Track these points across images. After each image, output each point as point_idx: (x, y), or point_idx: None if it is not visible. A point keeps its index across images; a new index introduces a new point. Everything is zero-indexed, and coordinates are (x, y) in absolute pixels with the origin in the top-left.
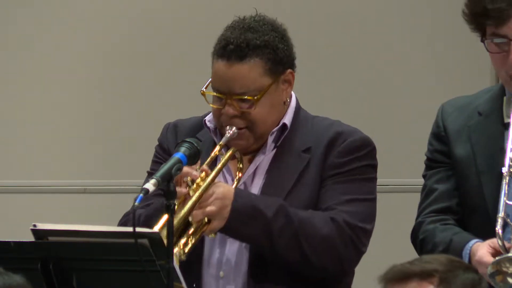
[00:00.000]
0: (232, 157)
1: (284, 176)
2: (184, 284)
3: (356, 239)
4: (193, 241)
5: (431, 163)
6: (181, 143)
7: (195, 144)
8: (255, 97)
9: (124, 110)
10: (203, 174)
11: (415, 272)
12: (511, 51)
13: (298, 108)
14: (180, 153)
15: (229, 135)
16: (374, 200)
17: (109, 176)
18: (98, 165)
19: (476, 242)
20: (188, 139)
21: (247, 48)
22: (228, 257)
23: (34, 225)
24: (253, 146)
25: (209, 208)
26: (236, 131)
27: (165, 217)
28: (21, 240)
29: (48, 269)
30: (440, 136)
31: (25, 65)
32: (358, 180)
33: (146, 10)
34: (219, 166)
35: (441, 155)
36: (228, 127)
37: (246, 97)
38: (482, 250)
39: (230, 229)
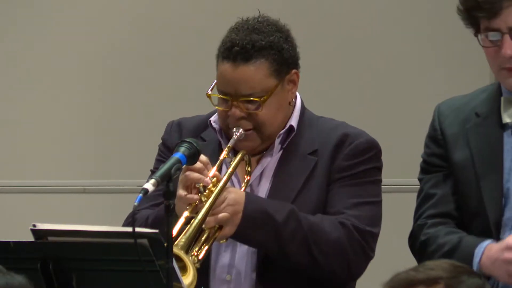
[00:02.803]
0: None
1: (291, 179)
2: (183, 284)
3: (365, 244)
4: (206, 248)
5: (428, 167)
6: (180, 143)
7: (195, 144)
8: (262, 98)
9: (124, 110)
10: (214, 179)
11: (420, 280)
12: (503, 44)
13: (303, 108)
14: (179, 153)
15: (236, 137)
16: (380, 203)
17: (108, 176)
18: (98, 165)
19: (491, 242)
20: (187, 139)
21: (252, 50)
22: (236, 261)
23: (34, 225)
24: (260, 147)
25: (222, 215)
26: (243, 132)
27: (179, 224)
28: (20, 240)
29: (48, 269)
30: (437, 139)
31: (25, 65)
32: (364, 183)
33: (146, 10)
34: (230, 170)
35: (438, 158)
36: (235, 129)
37: (252, 98)
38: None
39: (241, 235)
